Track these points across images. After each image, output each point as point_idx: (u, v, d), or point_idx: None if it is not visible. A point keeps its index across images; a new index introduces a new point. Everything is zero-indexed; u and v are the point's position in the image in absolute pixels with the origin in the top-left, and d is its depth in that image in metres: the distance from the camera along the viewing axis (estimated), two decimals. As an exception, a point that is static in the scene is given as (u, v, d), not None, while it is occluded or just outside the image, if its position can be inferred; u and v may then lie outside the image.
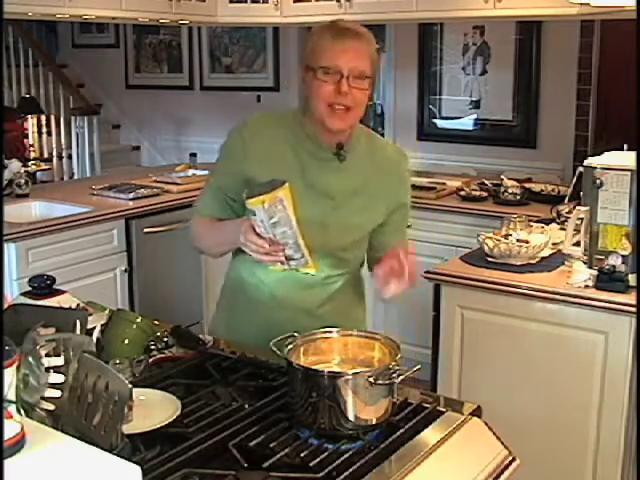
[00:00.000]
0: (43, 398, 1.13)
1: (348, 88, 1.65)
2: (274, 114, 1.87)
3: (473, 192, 3.74)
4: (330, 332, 1.52)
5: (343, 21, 1.77)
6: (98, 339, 1.61)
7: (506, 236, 2.54)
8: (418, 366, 1.39)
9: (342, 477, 1.20)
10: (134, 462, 0.96)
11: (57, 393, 1.15)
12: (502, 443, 1.42)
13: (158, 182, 4.00)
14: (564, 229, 2.57)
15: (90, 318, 1.54)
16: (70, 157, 5.82)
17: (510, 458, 1.40)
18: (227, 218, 1.80)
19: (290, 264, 1.60)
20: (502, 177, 3.76)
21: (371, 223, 1.83)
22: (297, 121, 1.78)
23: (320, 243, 1.70)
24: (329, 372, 1.37)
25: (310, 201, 1.71)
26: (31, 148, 5.96)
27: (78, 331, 1.36)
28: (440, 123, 4.85)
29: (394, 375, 1.34)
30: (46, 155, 5.91)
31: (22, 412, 1.06)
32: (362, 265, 1.94)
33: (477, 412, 1.47)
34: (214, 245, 1.88)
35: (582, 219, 2.32)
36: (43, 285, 1.69)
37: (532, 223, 2.69)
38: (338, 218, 1.76)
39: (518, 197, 3.55)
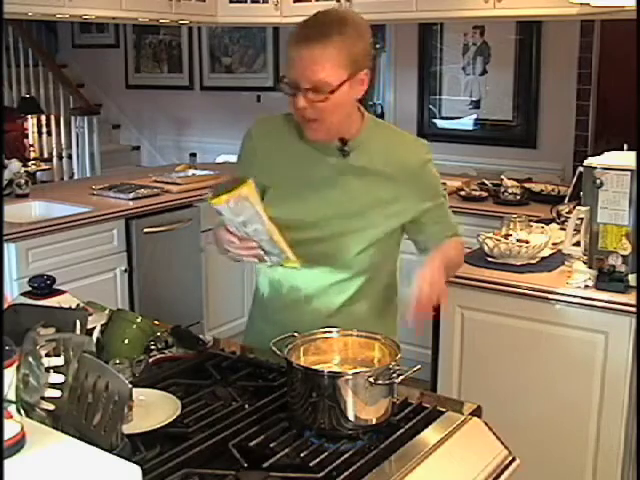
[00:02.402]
0: (43, 398, 1.13)
1: (305, 101, 1.56)
2: (277, 117, 1.80)
3: (473, 192, 3.74)
4: (330, 332, 1.52)
5: (311, 19, 1.62)
6: (98, 339, 1.61)
7: (506, 236, 2.55)
8: (418, 366, 1.39)
9: (342, 477, 1.20)
10: (134, 462, 0.96)
11: (57, 393, 1.15)
12: (502, 443, 1.42)
13: (158, 182, 4.00)
14: (564, 229, 2.57)
15: (90, 318, 1.54)
16: (70, 157, 5.83)
17: (510, 458, 1.40)
18: None
19: (271, 259, 1.59)
20: (502, 177, 3.76)
21: (376, 225, 1.71)
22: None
23: (319, 245, 1.68)
24: (329, 372, 1.37)
25: (309, 201, 1.70)
26: (31, 148, 5.97)
27: (78, 331, 1.36)
28: (440, 123, 4.85)
29: (394, 375, 1.34)
30: (46, 155, 5.91)
31: (22, 412, 1.06)
32: (389, 273, 1.83)
33: (477, 412, 1.47)
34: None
35: (582, 219, 2.32)
36: (43, 285, 1.70)
37: (532, 223, 2.69)
38: (338, 220, 1.69)
39: (518, 197, 3.55)
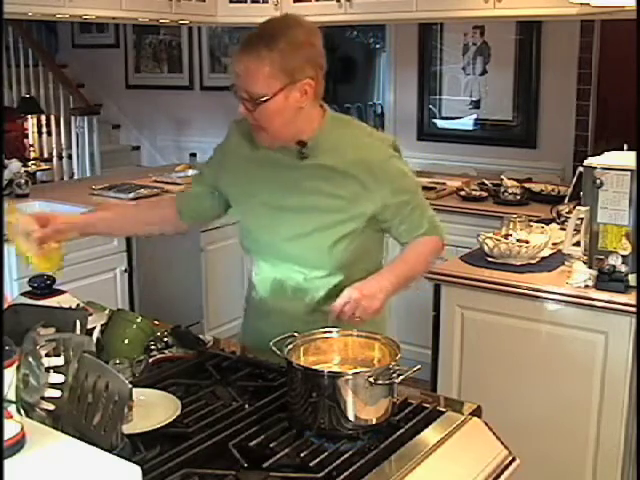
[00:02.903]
0: (43, 398, 1.13)
1: (244, 109, 1.65)
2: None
3: (473, 192, 3.74)
4: (330, 332, 1.52)
5: (256, 29, 1.68)
6: (98, 339, 1.61)
7: (506, 236, 2.54)
8: (418, 366, 1.39)
9: (342, 477, 1.20)
10: (134, 462, 0.96)
11: (57, 393, 1.15)
12: (502, 443, 1.42)
13: (158, 182, 4.00)
14: (564, 229, 2.57)
15: (90, 318, 1.54)
16: (70, 157, 5.82)
17: (510, 458, 1.40)
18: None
19: None
20: (502, 177, 3.76)
21: (341, 222, 1.72)
22: None
23: (287, 245, 1.74)
24: (329, 372, 1.37)
25: (272, 202, 1.75)
26: (31, 148, 5.97)
27: (78, 331, 1.36)
28: (440, 123, 4.84)
29: (394, 375, 1.34)
30: (46, 155, 5.91)
31: (22, 412, 1.06)
32: (368, 273, 1.78)
33: (477, 412, 1.47)
34: None
35: (582, 219, 2.32)
36: (43, 285, 1.70)
37: (532, 223, 2.69)
38: (301, 220, 1.73)
39: (518, 197, 3.55)
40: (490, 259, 2.50)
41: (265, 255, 1.82)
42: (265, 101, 1.61)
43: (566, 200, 2.98)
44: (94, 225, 1.95)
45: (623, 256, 2.22)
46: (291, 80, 1.61)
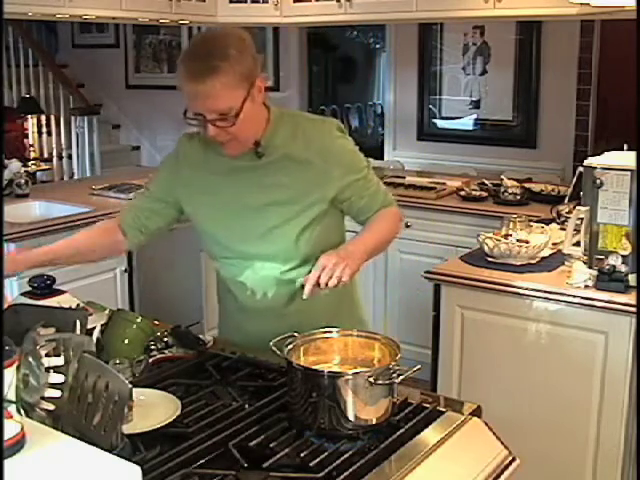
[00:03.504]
0: (43, 398, 1.13)
1: (214, 129, 1.64)
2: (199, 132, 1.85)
3: (473, 192, 3.74)
4: (330, 332, 1.52)
5: (193, 50, 1.68)
6: (98, 339, 1.61)
7: (506, 236, 2.54)
8: (418, 366, 1.39)
9: (342, 477, 1.20)
10: (134, 462, 0.96)
11: (57, 393, 1.15)
12: (502, 443, 1.42)
13: (158, 182, 3.99)
14: (564, 229, 2.57)
15: (90, 318, 1.54)
16: (70, 157, 5.82)
17: (510, 458, 1.40)
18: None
19: None
20: (502, 177, 3.76)
21: (304, 210, 1.76)
22: None
23: (255, 244, 1.76)
24: (329, 372, 1.37)
25: (232, 206, 1.78)
26: (31, 148, 5.97)
27: (78, 331, 1.36)
28: (440, 123, 4.84)
29: (394, 375, 1.34)
30: (46, 155, 5.91)
31: (22, 412, 1.06)
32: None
33: (477, 412, 1.47)
34: None
35: (582, 219, 2.32)
36: (43, 285, 1.70)
37: (532, 223, 2.69)
38: (265, 215, 1.76)
39: (518, 197, 3.55)
40: (490, 259, 2.50)
41: (236, 257, 1.82)
42: (237, 113, 1.62)
43: (566, 200, 2.98)
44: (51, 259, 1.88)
45: (623, 256, 2.22)
46: (250, 83, 1.64)
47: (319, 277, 1.58)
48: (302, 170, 1.75)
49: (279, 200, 1.75)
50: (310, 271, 1.64)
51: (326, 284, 1.58)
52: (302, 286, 1.62)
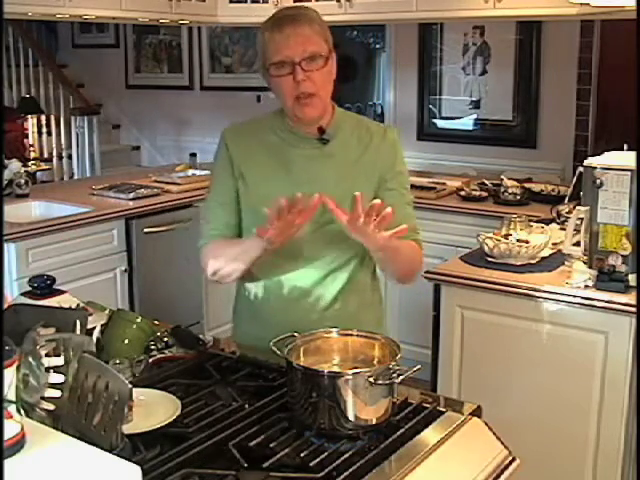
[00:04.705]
0: (43, 398, 1.13)
1: (304, 74, 1.65)
2: (249, 121, 1.88)
3: (473, 192, 3.74)
4: (330, 332, 1.52)
5: (284, 9, 1.78)
6: (98, 339, 1.61)
7: (506, 236, 2.54)
8: (418, 366, 1.39)
9: (342, 477, 1.20)
10: (134, 462, 0.96)
11: (57, 393, 1.15)
12: (502, 443, 1.42)
13: (158, 182, 4.00)
14: (564, 229, 2.57)
15: (90, 318, 1.54)
16: (70, 157, 5.83)
17: (510, 458, 1.40)
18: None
19: None
20: (502, 177, 3.76)
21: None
22: (277, 121, 1.80)
23: (311, 237, 1.71)
24: (329, 372, 1.37)
25: (298, 193, 1.70)
26: (31, 148, 5.97)
27: (78, 331, 1.36)
28: (440, 123, 4.84)
29: (394, 375, 1.34)
30: (46, 155, 5.91)
31: (22, 412, 1.06)
32: (372, 262, 1.84)
33: (477, 412, 1.47)
34: (232, 260, 1.81)
35: (582, 219, 2.32)
36: (43, 285, 1.69)
37: (532, 223, 2.69)
38: (323, 209, 1.69)
39: (518, 197, 3.55)
40: (490, 259, 2.50)
41: (283, 252, 1.72)
42: (325, 60, 1.67)
43: (566, 200, 2.98)
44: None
45: (623, 256, 2.22)
46: (330, 48, 1.71)
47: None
48: (359, 168, 1.76)
49: (337, 195, 1.69)
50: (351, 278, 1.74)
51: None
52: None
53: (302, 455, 1.27)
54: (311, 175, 1.74)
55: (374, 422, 1.34)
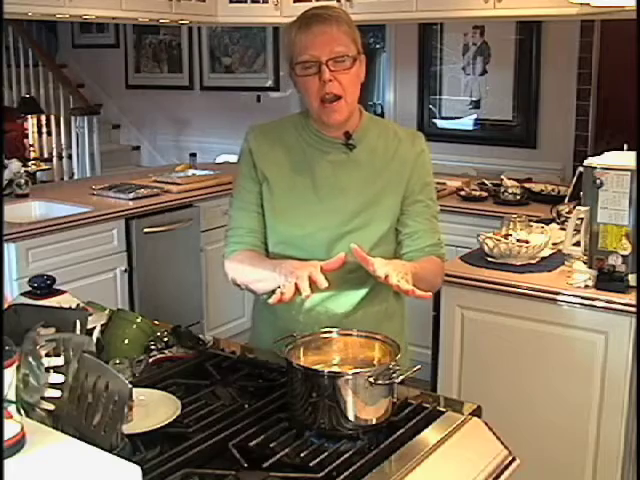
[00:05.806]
0: (43, 398, 1.13)
1: (330, 74, 1.62)
2: (273, 122, 1.84)
3: (473, 192, 3.74)
4: (330, 332, 1.52)
5: (312, 8, 1.73)
6: (98, 339, 1.61)
7: (506, 236, 2.54)
8: (418, 366, 1.39)
9: (342, 477, 1.20)
10: (134, 462, 0.96)
11: (57, 393, 1.15)
12: (502, 443, 1.42)
13: (158, 182, 4.00)
14: (564, 229, 2.57)
15: (90, 318, 1.54)
16: (70, 157, 5.83)
17: (510, 458, 1.39)
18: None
19: None
20: (502, 177, 3.76)
21: (386, 216, 1.74)
22: (301, 123, 1.77)
23: (339, 242, 1.69)
24: (329, 372, 1.36)
25: (321, 200, 1.71)
26: (31, 148, 5.97)
27: (78, 331, 1.36)
28: (440, 123, 4.85)
29: (394, 375, 1.34)
30: (46, 155, 5.91)
31: (22, 412, 1.06)
32: None
33: (477, 412, 1.47)
34: (256, 282, 1.75)
35: (582, 219, 2.32)
36: (43, 285, 1.69)
37: (532, 223, 2.69)
38: (351, 213, 1.71)
39: (518, 197, 3.55)
40: (490, 259, 2.50)
41: (307, 258, 1.68)
42: (353, 61, 1.64)
43: (566, 200, 2.98)
44: None
45: (623, 256, 2.22)
46: (359, 50, 1.68)
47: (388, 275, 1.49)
48: (385, 176, 1.73)
49: (364, 201, 1.71)
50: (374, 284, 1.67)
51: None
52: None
53: (302, 455, 1.27)
54: (336, 183, 1.72)
55: (374, 422, 1.34)
